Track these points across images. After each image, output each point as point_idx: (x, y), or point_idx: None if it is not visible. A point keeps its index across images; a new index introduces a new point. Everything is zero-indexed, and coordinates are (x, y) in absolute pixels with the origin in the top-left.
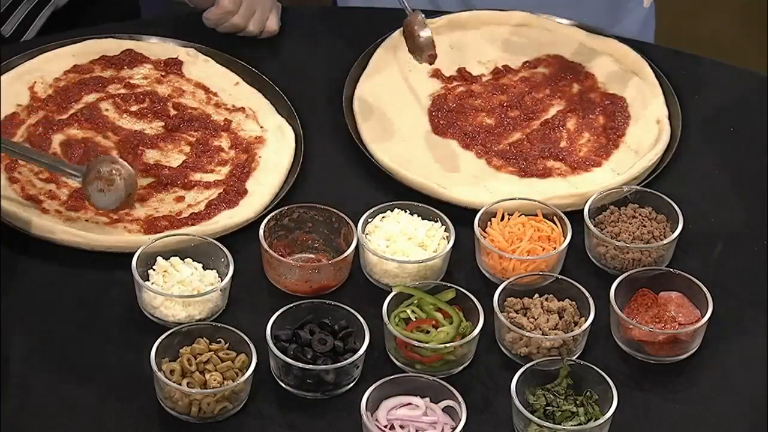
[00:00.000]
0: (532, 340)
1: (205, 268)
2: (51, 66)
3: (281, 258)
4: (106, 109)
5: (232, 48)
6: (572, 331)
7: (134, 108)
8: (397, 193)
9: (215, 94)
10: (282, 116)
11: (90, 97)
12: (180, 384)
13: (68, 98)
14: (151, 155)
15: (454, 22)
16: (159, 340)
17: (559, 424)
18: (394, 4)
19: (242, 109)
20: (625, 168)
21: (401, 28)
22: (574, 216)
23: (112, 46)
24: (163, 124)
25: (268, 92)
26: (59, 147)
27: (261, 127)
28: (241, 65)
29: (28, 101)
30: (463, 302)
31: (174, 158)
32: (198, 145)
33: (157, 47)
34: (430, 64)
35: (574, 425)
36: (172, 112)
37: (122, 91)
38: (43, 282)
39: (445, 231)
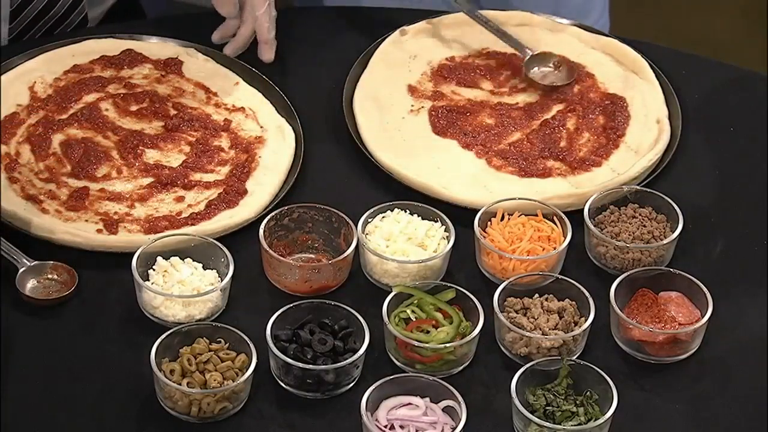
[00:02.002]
0: (532, 340)
1: (205, 268)
2: (51, 66)
3: (281, 258)
4: (106, 109)
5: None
6: (572, 331)
7: (134, 108)
8: (397, 193)
9: (215, 94)
10: (282, 116)
11: (90, 97)
12: (180, 384)
13: (68, 98)
14: (151, 155)
15: (453, 23)
16: (159, 340)
17: (559, 424)
18: (393, 4)
19: (242, 109)
20: (625, 168)
21: (401, 28)
22: (574, 216)
23: (112, 46)
24: (163, 124)
25: (268, 92)
26: (59, 147)
27: (261, 127)
28: (240, 65)
29: (28, 101)
30: (463, 302)
31: (174, 158)
32: (198, 145)
33: (157, 47)
34: None
35: (574, 425)
36: (172, 112)
37: (122, 90)
38: None
39: (445, 231)
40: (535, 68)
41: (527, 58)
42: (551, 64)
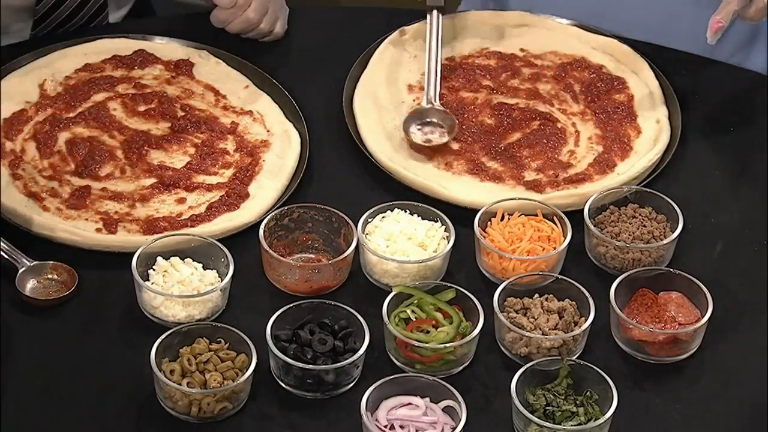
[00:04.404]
0: (532, 340)
1: (205, 268)
2: (63, 64)
3: (281, 258)
4: (114, 109)
5: (240, 50)
6: (572, 331)
7: (142, 108)
8: (397, 193)
9: (224, 97)
10: (289, 120)
11: (99, 96)
12: (180, 384)
13: (77, 97)
14: (156, 156)
15: (453, 23)
16: (159, 340)
17: (559, 424)
18: (400, 4)
19: (250, 113)
20: (625, 168)
21: (401, 28)
22: (574, 216)
23: (125, 45)
24: (169, 125)
25: (277, 95)
26: (64, 145)
27: (268, 131)
28: (251, 68)
29: (37, 98)
30: (463, 302)
31: (178, 159)
32: (203, 147)
33: (169, 48)
34: None
35: (574, 425)
36: (180, 113)
37: (131, 91)
38: None
39: (445, 231)
40: (419, 122)
41: (413, 109)
42: (442, 123)
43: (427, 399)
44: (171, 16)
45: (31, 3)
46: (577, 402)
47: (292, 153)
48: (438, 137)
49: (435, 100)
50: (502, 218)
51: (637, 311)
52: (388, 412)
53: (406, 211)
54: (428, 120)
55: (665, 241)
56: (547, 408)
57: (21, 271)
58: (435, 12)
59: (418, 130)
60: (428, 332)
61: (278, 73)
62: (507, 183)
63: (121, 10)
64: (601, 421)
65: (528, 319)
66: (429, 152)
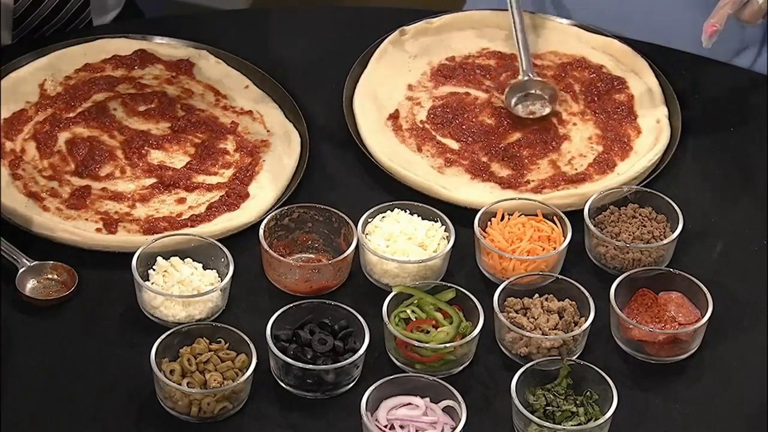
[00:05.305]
0: (532, 340)
1: (205, 268)
2: (63, 64)
3: (281, 258)
4: (114, 109)
5: (240, 50)
6: (572, 331)
7: (142, 108)
8: (397, 193)
9: (224, 97)
10: (289, 120)
11: (99, 96)
12: (180, 384)
13: (77, 96)
14: (156, 156)
15: (453, 23)
16: (159, 340)
17: (559, 424)
18: (398, 4)
19: (250, 113)
20: (625, 168)
21: (401, 28)
22: (574, 216)
23: (125, 45)
24: (169, 125)
25: (276, 95)
26: (64, 145)
27: (268, 131)
28: (251, 68)
29: (37, 98)
30: (463, 302)
31: (178, 159)
32: (203, 147)
33: (169, 48)
34: None
35: (574, 425)
36: (180, 113)
37: (132, 90)
38: None
39: (445, 231)
40: (520, 94)
41: (513, 81)
42: (543, 93)
43: (427, 399)
44: (171, 16)
45: (10, 1)
46: (577, 402)
47: (292, 153)
48: (540, 108)
49: (531, 72)
50: (502, 218)
51: (637, 311)
52: (388, 412)
53: (406, 211)
54: (529, 92)
55: (665, 241)
56: (547, 408)
57: (21, 271)
58: None
59: (521, 103)
60: (428, 332)
61: (278, 73)
62: (510, 174)
63: (106, 16)
64: (601, 421)
65: (528, 319)
66: (430, 151)
